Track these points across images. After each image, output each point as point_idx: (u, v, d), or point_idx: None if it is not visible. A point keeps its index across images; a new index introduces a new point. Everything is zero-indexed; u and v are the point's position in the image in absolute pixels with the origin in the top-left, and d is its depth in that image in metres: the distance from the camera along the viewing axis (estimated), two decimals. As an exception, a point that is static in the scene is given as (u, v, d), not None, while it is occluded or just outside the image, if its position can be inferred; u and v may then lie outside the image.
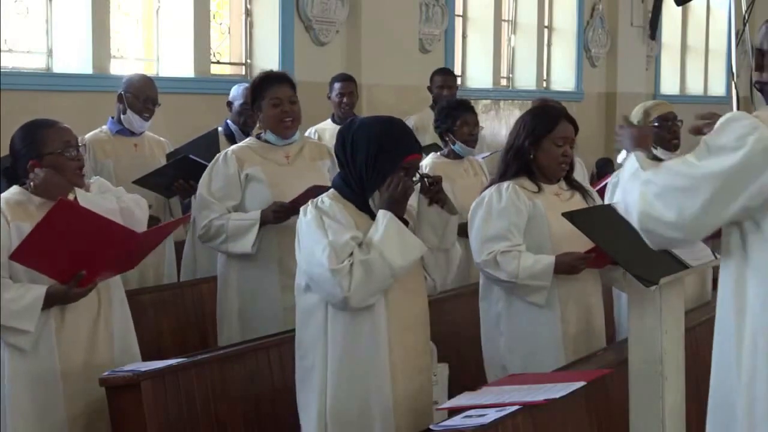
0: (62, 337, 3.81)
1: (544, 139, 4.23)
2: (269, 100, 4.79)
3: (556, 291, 4.20)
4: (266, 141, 4.89)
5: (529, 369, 4.13)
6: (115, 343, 3.98)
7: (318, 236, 3.45)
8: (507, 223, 4.21)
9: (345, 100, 7.40)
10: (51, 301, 3.74)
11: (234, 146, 4.99)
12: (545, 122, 4.25)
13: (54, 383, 3.78)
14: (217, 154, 4.95)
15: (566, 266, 4.16)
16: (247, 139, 5.08)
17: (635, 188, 2.96)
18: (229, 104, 6.44)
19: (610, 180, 5.59)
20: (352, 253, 3.43)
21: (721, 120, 2.86)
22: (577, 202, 4.29)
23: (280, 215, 4.67)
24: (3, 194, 3.84)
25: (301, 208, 3.58)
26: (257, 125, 4.93)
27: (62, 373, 3.80)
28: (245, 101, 6.33)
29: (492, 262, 4.19)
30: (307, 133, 7.18)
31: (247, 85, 6.56)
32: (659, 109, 5.47)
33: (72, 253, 3.70)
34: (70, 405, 3.81)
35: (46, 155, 3.79)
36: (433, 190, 3.59)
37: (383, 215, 3.48)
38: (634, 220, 2.96)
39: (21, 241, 3.67)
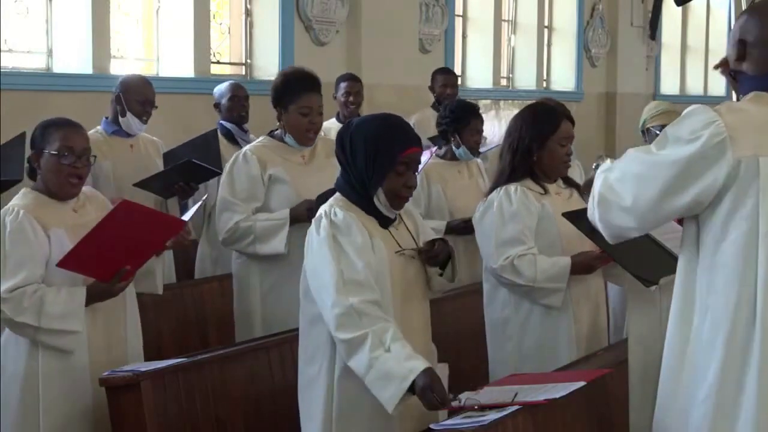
0: (92, 336, 3.86)
1: (548, 141, 4.21)
2: (299, 108, 4.72)
3: (569, 291, 4.19)
4: (282, 140, 4.87)
5: (541, 371, 4.10)
6: (128, 342, 4.02)
7: (328, 261, 3.36)
8: (521, 227, 4.18)
9: (351, 99, 7.42)
10: (92, 299, 3.80)
11: (250, 146, 4.93)
12: (549, 123, 4.23)
13: (85, 382, 3.82)
14: (235, 154, 4.91)
15: (582, 266, 4.15)
16: (261, 138, 5.02)
17: (599, 177, 3.06)
18: (217, 105, 6.43)
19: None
20: (370, 326, 3.27)
21: (684, 112, 2.95)
22: (576, 201, 4.28)
23: (314, 214, 4.65)
24: (19, 201, 3.84)
25: (314, 221, 3.51)
26: (279, 123, 4.85)
27: (91, 373, 3.83)
28: (233, 94, 6.34)
29: (510, 267, 4.16)
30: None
31: (229, 82, 6.56)
32: (668, 116, 5.48)
33: (118, 250, 3.75)
34: (98, 404, 3.83)
35: (45, 152, 3.83)
36: (426, 256, 3.57)
37: (410, 371, 3.23)
38: (594, 206, 3.03)
39: (62, 246, 3.72)
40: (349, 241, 3.39)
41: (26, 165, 4.01)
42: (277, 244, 4.68)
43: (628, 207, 2.94)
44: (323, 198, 3.64)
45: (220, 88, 6.44)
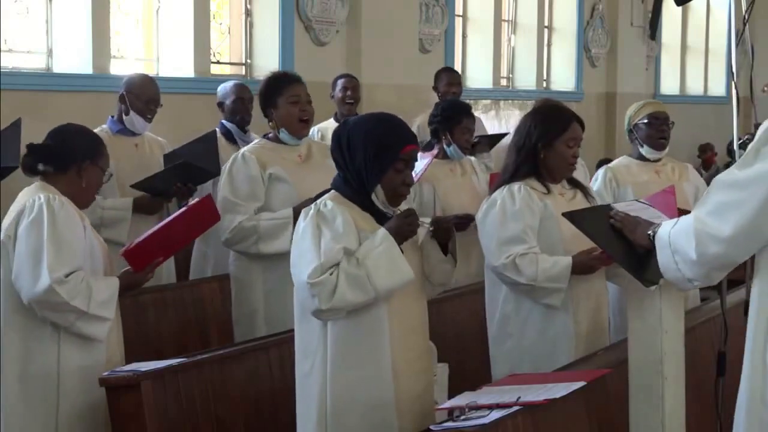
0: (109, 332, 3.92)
1: (556, 141, 4.22)
2: (288, 98, 4.81)
3: (569, 291, 4.19)
4: (278, 141, 4.89)
5: (540, 370, 4.11)
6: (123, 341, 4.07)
7: (309, 245, 3.44)
8: (522, 225, 4.19)
9: (349, 94, 7.39)
10: (123, 289, 3.90)
11: (248, 147, 4.99)
12: (558, 124, 4.24)
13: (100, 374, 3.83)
14: (234, 155, 4.96)
15: (583, 266, 4.15)
16: (258, 140, 5.07)
17: (686, 221, 2.96)
18: (220, 104, 6.43)
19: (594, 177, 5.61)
20: (337, 264, 3.41)
21: (761, 127, 2.87)
22: (579, 202, 4.29)
23: None
24: (49, 192, 3.84)
25: (303, 210, 3.57)
26: (271, 123, 4.90)
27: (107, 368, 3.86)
28: (237, 96, 6.35)
29: (511, 266, 4.16)
30: (309, 134, 7.18)
31: (234, 82, 6.58)
32: (651, 107, 5.46)
33: (166, 242, 3.88)
34: None
35: (94, 166, 3.94)
36: (441, 233, 3.61)
37: (383, 235, 3.46)
38: (690, 248, 2.93)
39: (91, 240, 3.85)
40: (331, 229, 3.45)
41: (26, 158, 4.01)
42: (282, 242, 4.70)
43: (728, 237, 2.84)
44: (320, 197, 3.66)
45: (225, 87, 6.45)
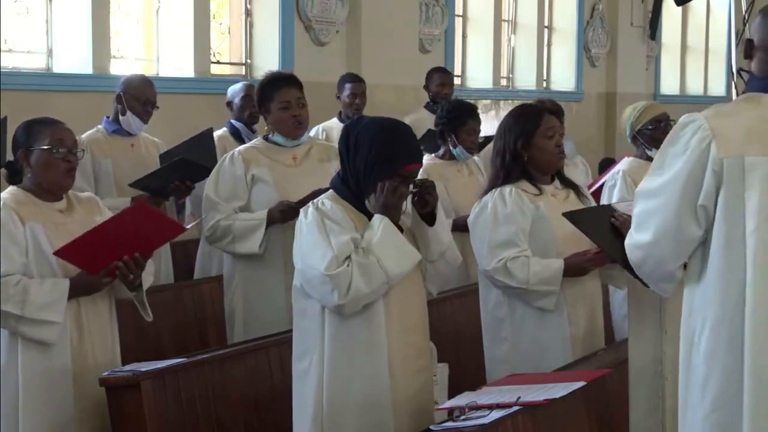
0: (76, 337, 3.84)
1: (533, 137, 4.21)
2: (278, 103, 4.80)
3: (562, 293, 4.17)
4: (274, 142, 4.91)
5: (536, 372, 4.10)
6: (114, 347, 4.00)
7: (318, 239, 3.44)
8: (514, 229, 4.17)
9: (357, 100, 7.40)
10: (76, 291, 3.78)
11: (241, 147, 5.03)
12: (530, 119, 4.23)
13: (66, 384, 3.80)
14: (224, 155, 4.98)
15: (576, 268, 4.14)
16: (255, 140, 5.11)
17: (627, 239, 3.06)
18: (229, 104, 6.46)
19: (607, 182, 5.58)
20: (349, 257, 3.42)
21: (675, 126, 2.94)
22: (573, 202, 4.27)
23: (287, 215, 4.68)
24: (3, 195, 3.86)
25: (302, 210, 3.58)
26: (267, 126, 4.93)
27: (73, 371, 3.81)
28: (246, 93, 6.38)
29: (502, 270, 4.14)
30: (313, 132, 7.18)
31: (244, 82, 6.62)
32: (651, 110, 5.45)
33: (116, 247, 3.77)
34: (80, 403, 3.83)
35: (35, 149, 3.83)
36: (422, 192, 3.57)
37: (379, 220, 3.46)
38: (630, 262, 3.03)
39: (36, 241, 3.74)
40: (336, 222, 3.47)
41: (5, 170, 3.99)
42: (252, 243, 4.74)
43: (650, 242, 2.92)
44: (316, 195, 3.66)
45: (234, 88, 6.52)
